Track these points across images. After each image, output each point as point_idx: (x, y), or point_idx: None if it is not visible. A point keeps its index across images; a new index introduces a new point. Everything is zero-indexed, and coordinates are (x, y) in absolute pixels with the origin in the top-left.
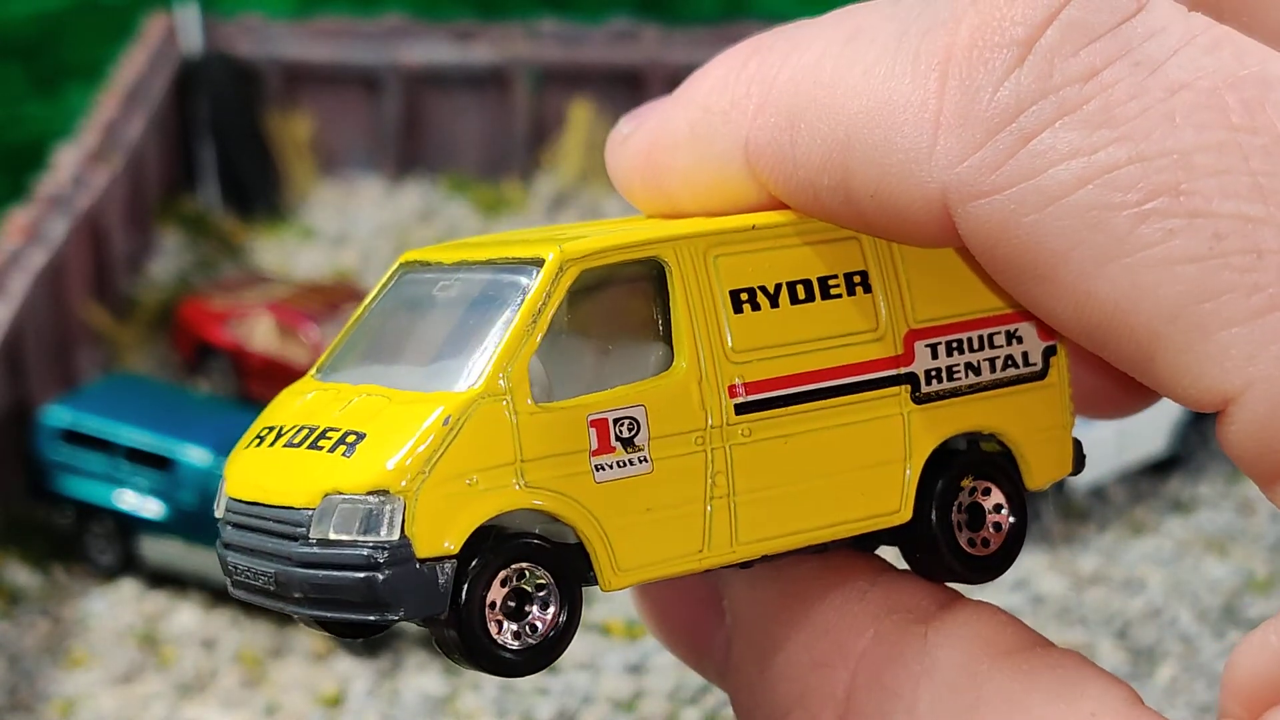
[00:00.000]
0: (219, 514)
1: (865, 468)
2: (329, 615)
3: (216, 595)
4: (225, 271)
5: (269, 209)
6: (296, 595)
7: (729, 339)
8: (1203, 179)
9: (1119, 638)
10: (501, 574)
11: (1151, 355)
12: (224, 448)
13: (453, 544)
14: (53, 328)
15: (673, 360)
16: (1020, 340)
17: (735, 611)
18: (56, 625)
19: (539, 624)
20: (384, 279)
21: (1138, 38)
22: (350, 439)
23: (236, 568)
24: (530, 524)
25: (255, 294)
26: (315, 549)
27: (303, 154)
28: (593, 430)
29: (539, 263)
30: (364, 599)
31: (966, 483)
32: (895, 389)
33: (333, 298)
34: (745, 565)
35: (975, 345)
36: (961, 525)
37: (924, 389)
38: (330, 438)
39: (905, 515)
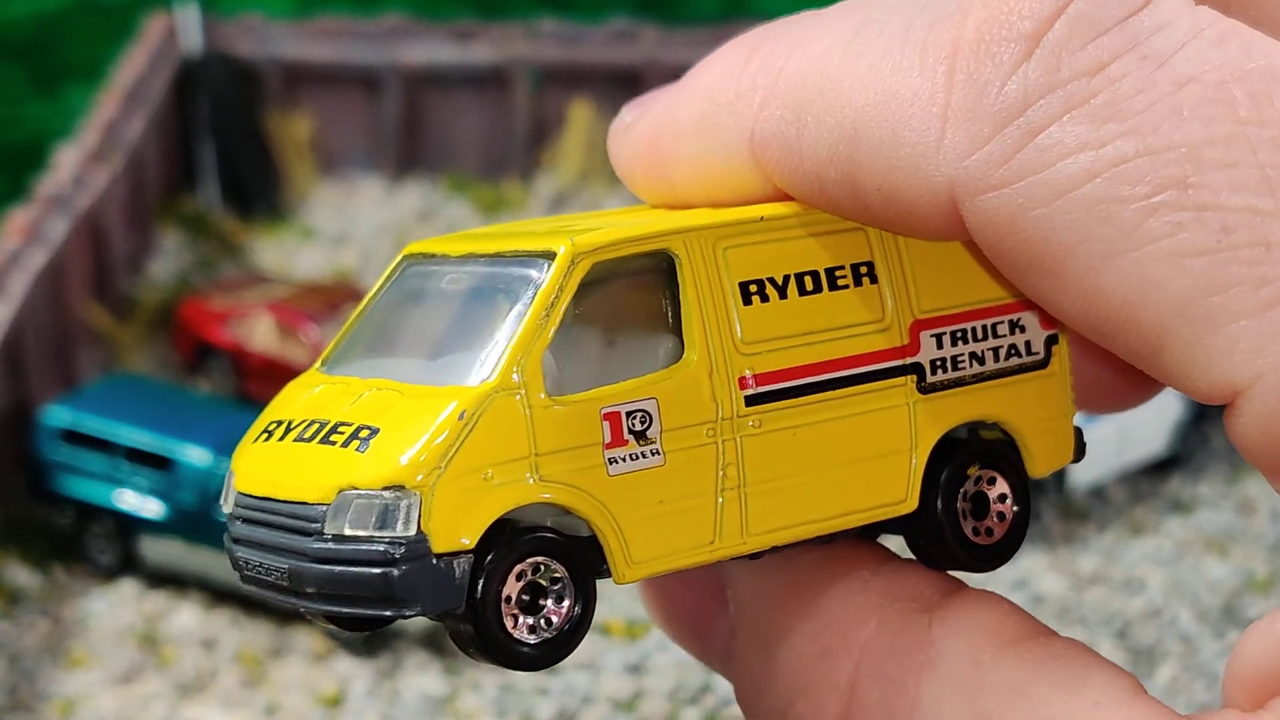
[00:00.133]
0: (227, 509)
1: (872, 458)
2: (343, 611)
3: (216, 595)
4: (225, 271)
5: (269, 209)
6: (310, 590)
7: (738, 331)
8: (1211, 172)
9: (1119, 638)
10: (517, 568)
11: (1159, 349)
12: (224, 448)
13: (469, 539)
14: (53, 328)
15: (682, 352)
16: (1023, 329)
17: (739, 601)
18: (56, 625)
19: (554, 618)
20: (388, 271)
21: (1145, 31)
22: (364, 434)
23: (247, 563)
24: (541, 517)
25: (255, 294)
26: (330, 544)
27: (303, 154)
28: (606, 423)
29: (550, 256)
30: (380, 594)
31: (973, 471)
32: (901, 379)
33: (333, 298)
34: (754, 556)
35: (979, 335)
36: (966, 514)
37: (929, 379)
38: (342, 432)
39: (911, 505)
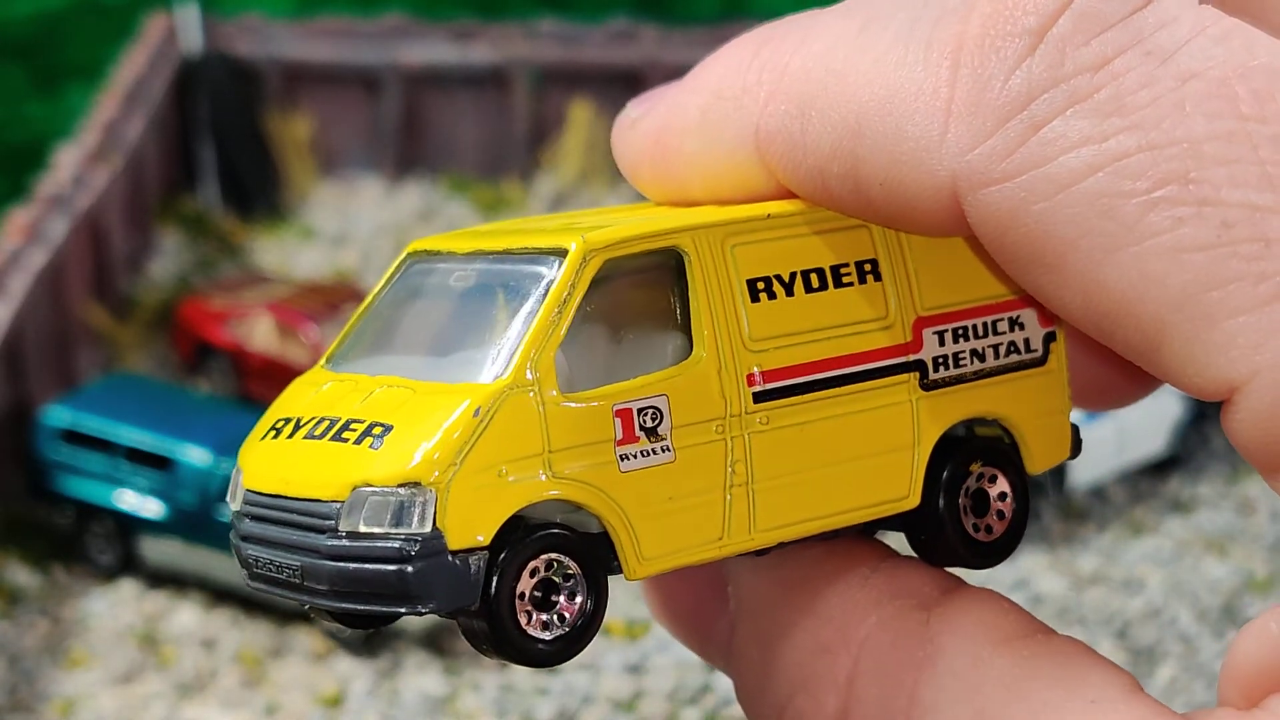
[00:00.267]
0: (234, 506)
1: (876, 454)
2: (357, 607)
3: (216, 595)
4: (225, 271)
5: (269, 209)
6: (323, 588)
7: (746, 328)
8: (1212, 168)
9: (1119, 638)
10: (531, 565)
11: (1158, 344)
12: (224, 448)
13: (484, 536)
14: (53, 328)
15: (690, 349)
16: (1022, 327)
17: (739, 596)
18: (56, 625)
19: (566, 614)
20: (391, 268)
21: (1149, 28)
22: (377, 431)
23: (257, 560)
24: (551, 513)
25: (255, 294)
26: (345, 542)
27: (302, 154)
28: (618, 420)
29: (562, 253)
30: (395, 591)
31: (975, 468)
32: (905, 376)
33: (333, 298)
34: (761, 553)
35: (980, 332)
36: (967, 510)
37: (931, 376)
38: (355, 429)
39: (914, 501)
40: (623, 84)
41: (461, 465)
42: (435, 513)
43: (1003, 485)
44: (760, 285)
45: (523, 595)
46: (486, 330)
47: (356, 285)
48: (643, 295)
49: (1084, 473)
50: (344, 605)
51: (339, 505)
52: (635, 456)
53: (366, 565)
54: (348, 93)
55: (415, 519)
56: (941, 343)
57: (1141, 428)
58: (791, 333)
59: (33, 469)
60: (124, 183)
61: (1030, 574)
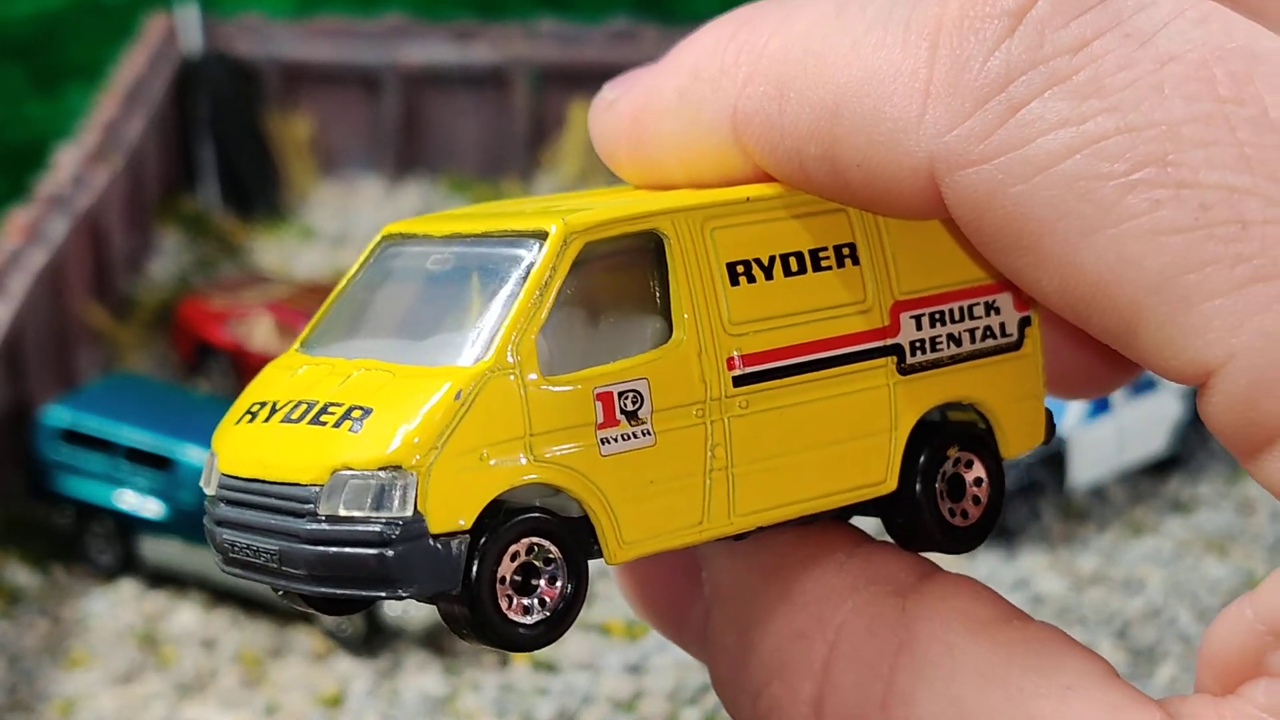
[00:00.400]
0: (209, 491)
1: (854, 439)
2: (336, 592)
3: (216, 595)
4: (225, 271)
5: (269, 209)
6: (301, 572)
7: (726, 311)
8: (1190, 150)
9: (1119, 638)
10: (512, 549)
11: (1134, 327)
12: None
13: (466, 520)
14: (53, 328)
15: (669, 333)
16: (998, 311)
17: (714, 583)
18: (56, 625)
19: (547, 598)
20: (366, 251)
21: (1128, 10)
22: (356, 414)
23: (234, 545)
24: (531, 497)
25: (255, 294)
26: (324, 525)
27: (302, 154)
28: (599, 404)
29: (542, 235)
30: (375, 575)
31: (952, 452)
32: (882, 360)
33: None
34: (739, 537)
35: (956, 316)
36: (943, 495)
37: (909, 360)
38: (333, 413)
39: (891, 485)
40: None
41: (443, 449)
42: (416, 496)
43: (979, 470)
44: (740, 269)
45: (503, 579)
46: (466, 313)
47: None
48: (621, 278)
49: (1084, 473)
50: (323, 590)
51: (318, 489)
52: (616, 440)
53: (346, 549)
54: (348, 93)
55: (396, 502)
56: (919, 327)
57: (1141, 428)
58: (771, 316)
59: (33, 469)
60: (124, 183)
61: (1030, 574)
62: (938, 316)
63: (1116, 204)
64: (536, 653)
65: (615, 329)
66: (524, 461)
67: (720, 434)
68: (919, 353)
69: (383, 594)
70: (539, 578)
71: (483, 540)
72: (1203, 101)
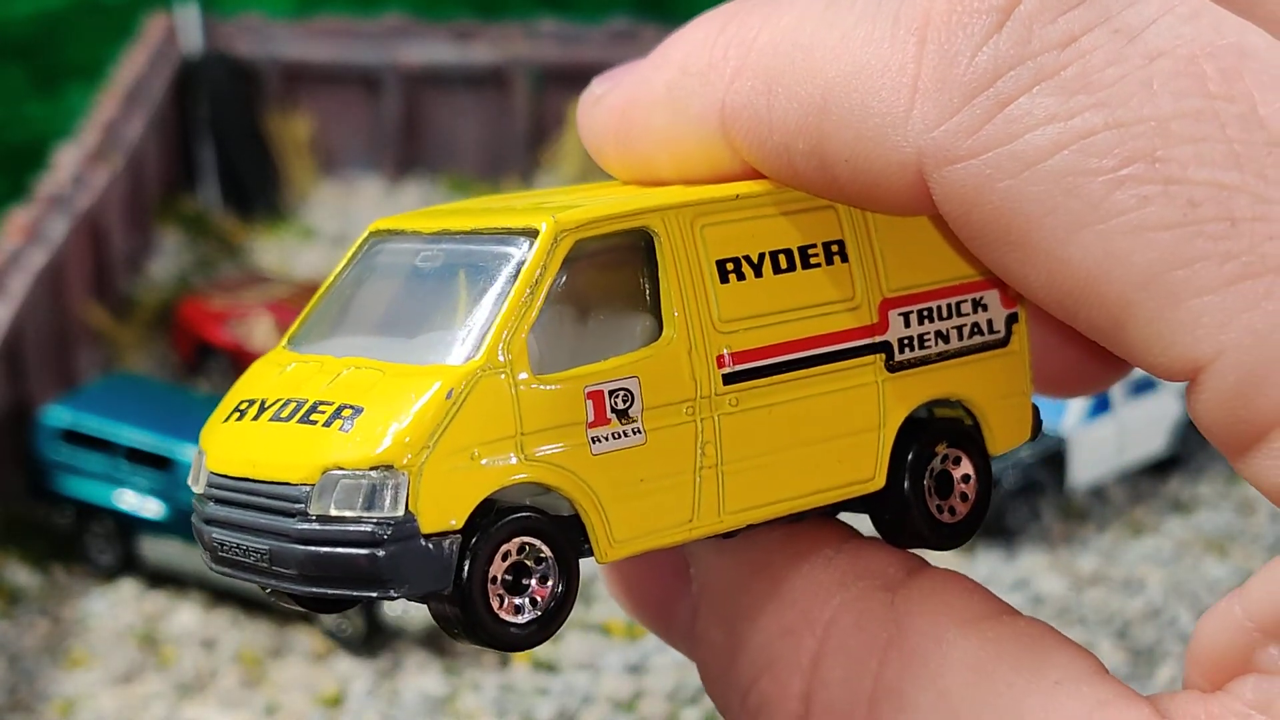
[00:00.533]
0: (198, 489)
1: (843, 436)
2: (326, 592)
3: (216, 595)
4: (225, 271)
5: (269, 209)
6: (292, 572)
7: (716, 309)
8: (1179, 146)
9: (1119, 638)
10: (503, 548)
11: (1123, 324)
12: None
13: (457, 520)
14: (53, 328)
15: (658, 331)
16: (985, 308)
17: (702, 579)
18: (56, 625)
19: (538, 597)
20: (354, 247)
21: (1117, 5)
22: (346, 413)
23: (223, 544)
24: (520, 496)
25: (255, 294)
26: (315, 525)
27: (303, 154)
28: (589, 402)
29: (533, 233)
30: (367, 575)
31: (941, 449)
32: (871, 357)
33: None
34: (729, 535)
35: (944, 313)
36: (931, 491)
37: (897, 357)
38: (323, 412)
39: (879, 482)
40: None
41: (434, 448)
42: (408, 496)
43: (966, 467)
44: (729, 266)
45: (495, 579)
46: (456, 311)
47: None
48: (611, 275)
49: (1084, 473)
50: (313, 590)
51: (309, 488)
52: (607, 439)
53: (337, 549)
54: (348, 93)
55: (388, 502)
56: (907, 324)
57: (1141, 428)
58: (761, 314)
59: (33, 469)
60: (124, 183)
61: (1030, 574)
62: (926, 313)
63: (1105, 200)
64: (537, 653)
65: (604, 326)
66: (515, 461)
67: (710, 432)
68: (907, 350)
69: (374, 594)
70: (530, 577)
71: (474, 540)
72: (1192, 98)
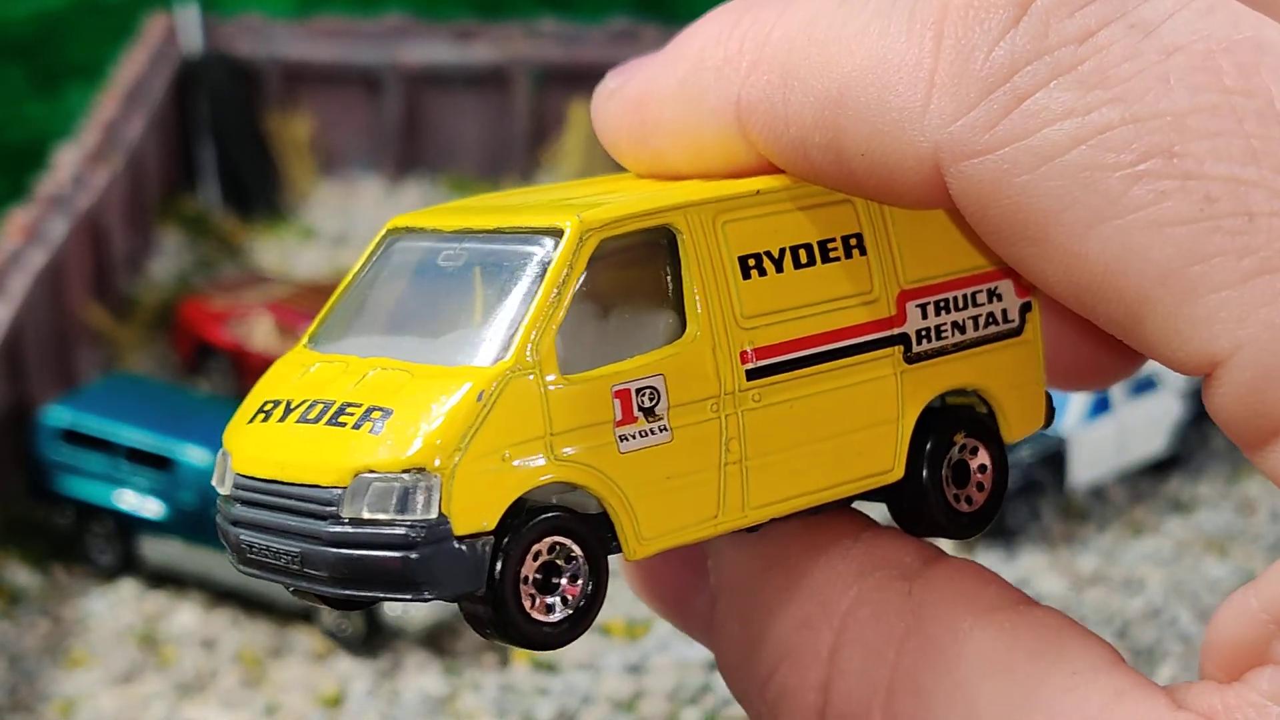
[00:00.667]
0: (224, 491)
1: (863, 428)
2: (359, 594)
3: (216, 595)
4: (225, 271)
5: (269, 209)
6: (324, 574)
7: (739, 305)
8: (1196, 141)
9: (1119, 638)
10: (534, 548)
11: (1140, 318)
12: None
13: (489, 521)
14: (53, 328)
15: (682, 328)
16: (1000, 298)
17: (720, 571)
18: (56, 625)
19: (569, 596)
20: (372, 245)
21: (1134, 1)
22: (376, 415)
23: (252, 546)
24: (548, 495)
25: (255, 294)
26: (348, 528)
27: (303, 154)
28: (617, 401)
29: (558, 233)
30: (400, 578)
31: (959, 439)
32: (889, 350)
33: None
34: (752, 529)
35: (960, 304)
36: (949, 480)
37: (915, 349)
38: (352, 414)
39: (898, 474)
40: None
41: (466, 450)
42: (440, 498)
43: (983, 457)
44: (751, 262)
45: (526, 579)
46: (482, 312)
47: None
48: (632, 273)
49: (1084, 473)
50: (345, 592)
51: (340, 491)
52: (634, 437)
53: (371, 552)
54: (348, 93)
55: (420, 505)
56: (924, 316)
57: (1141, 428)
58: (782, 309)
59: (33, 469)
60: (124, 183)
61: (1030, 574)
62: (942, 305)
63: (1122, 195)
64: (537, 653)
65: (628, 325)
66: (544, 461)
67: (735, 428)
68: (925, 341)
69: (407, 596)
70: (561, 576)
71: (505, 540)
72: (1209, 92)
